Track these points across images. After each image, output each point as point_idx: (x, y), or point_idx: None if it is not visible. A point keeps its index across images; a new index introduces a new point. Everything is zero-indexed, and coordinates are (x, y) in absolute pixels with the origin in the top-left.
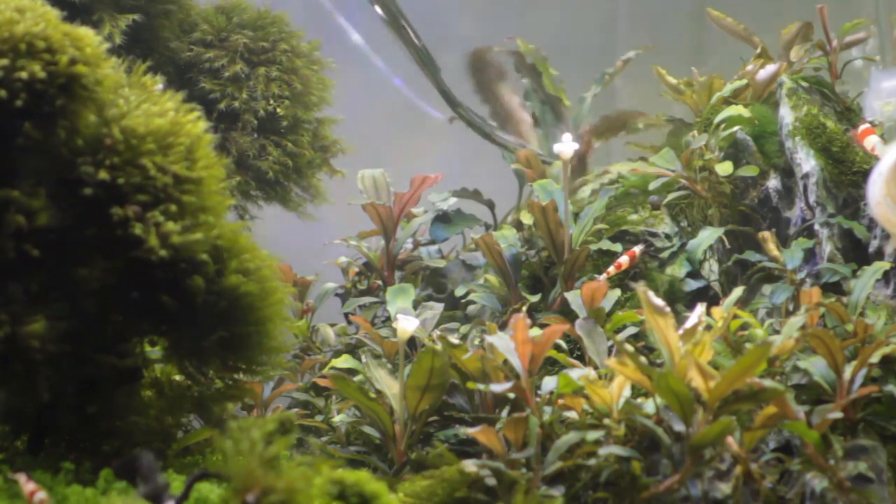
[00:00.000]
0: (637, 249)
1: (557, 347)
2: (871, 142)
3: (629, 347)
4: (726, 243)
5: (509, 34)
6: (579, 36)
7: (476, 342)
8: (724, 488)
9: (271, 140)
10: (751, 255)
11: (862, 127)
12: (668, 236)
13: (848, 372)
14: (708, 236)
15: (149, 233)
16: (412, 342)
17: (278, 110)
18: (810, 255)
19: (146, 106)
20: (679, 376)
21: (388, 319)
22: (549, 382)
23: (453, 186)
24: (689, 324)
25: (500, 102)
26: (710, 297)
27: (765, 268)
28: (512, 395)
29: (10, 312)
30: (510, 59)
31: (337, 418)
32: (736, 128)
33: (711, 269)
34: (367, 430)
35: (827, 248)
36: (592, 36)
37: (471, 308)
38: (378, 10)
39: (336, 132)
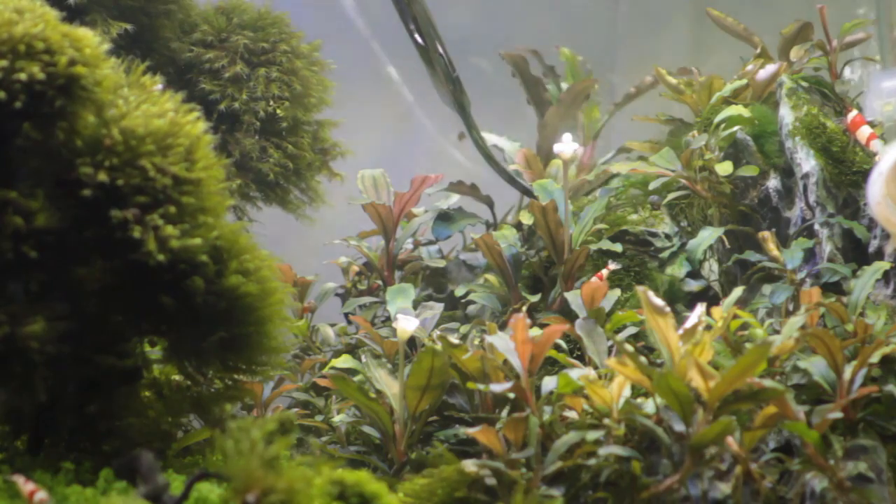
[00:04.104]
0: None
1: (557, 347)
2: (865, 133)
3: (629, 347)
4: (726, 243)
5: (507, 32)
6: (579, 35)
7: (476, 342)
8: (724, 488)
9: (272, 142)
10: (751, 255)
11: (851, 115)
12: (668, 236)
13: (848, 372)
14: (708, 236)
15: (147, 236)
16: (412, 342)
17: (278, 111)
18: (810, 255)
19: (145, 106)
20: (679, 376)
21: (388, 319)
22: (549, 382)
23: None
24: (689, 324)
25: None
26: (710, 297)
27: (765, 268)
28: (512, 395)
29: (9, 313)
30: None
31: (337, 418)
32: (736, 128)
33: (711, 269)
34: (367, 430)
35: (827, 248)
36: (592, 35)
37: (471, 308)
38: (417, 38)
39: (336, 133)
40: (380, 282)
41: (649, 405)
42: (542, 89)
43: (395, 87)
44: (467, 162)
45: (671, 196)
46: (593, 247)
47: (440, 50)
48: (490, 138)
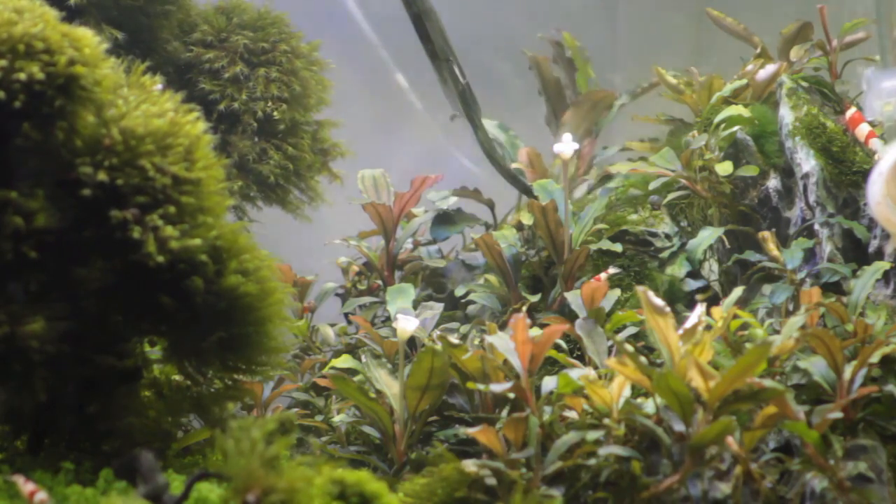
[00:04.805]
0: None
1: (557, 347)
2: (864, 131)
3: (629, 347)
4: (726, 243)
5: (506, 32)
6: (578, 35)
7: (476, 342)
8: (724, 488)
9: (272, 143)
10: (751, 255)
11: (850, 112)
12: (668, 236)
13: (848, 372)
14: (708, 236)
15: (147, 237)
16: (412, 342)
17: (275, 114)
18: (810, 255)
19: (145, 106)
20: (679, 376)
21: (388, 319)
22: (549, 382)
23: (454, 187)
24: (689, 324)
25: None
26: (709, 298)
27: (765, 268)
28: (512, 395)
29: (8, 312)
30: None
31: (337, 418)
32: (736, 128)
33: (711, 269)
34: (367, 430)
35: (827, 248)
36: (592, 35)
37: (471, 308)
38: (428, 45)
39: (336, 133)
40: (380, 282)
41: (649, 405)
42: (561, 88)
43: (397, 86)
44: (469, 164)
45: (671, 196)
46: (593, 247)
47: (450, 56)
48: (497, 138)
